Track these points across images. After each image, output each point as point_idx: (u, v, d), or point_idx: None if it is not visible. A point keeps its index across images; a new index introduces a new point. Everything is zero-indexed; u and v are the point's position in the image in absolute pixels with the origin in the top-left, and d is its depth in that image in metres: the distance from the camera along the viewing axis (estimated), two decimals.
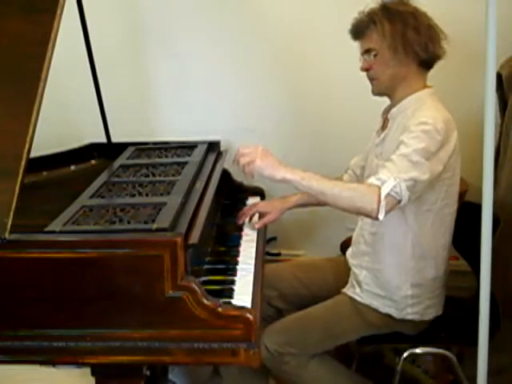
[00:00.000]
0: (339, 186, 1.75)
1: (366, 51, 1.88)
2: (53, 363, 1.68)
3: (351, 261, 2.02)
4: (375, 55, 1.86)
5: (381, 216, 1.69)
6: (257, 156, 1.73)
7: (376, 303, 1.92)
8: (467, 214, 2.00)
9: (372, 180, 1.72)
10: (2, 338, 1.53)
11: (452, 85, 2.43)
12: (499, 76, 2.18)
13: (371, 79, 1.91)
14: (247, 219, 2.14)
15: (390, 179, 1.69)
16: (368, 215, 1.72)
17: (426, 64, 1.87)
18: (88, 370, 1.58)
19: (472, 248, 1.81)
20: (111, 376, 1.56)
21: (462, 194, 2.15)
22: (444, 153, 1.77)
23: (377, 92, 1.92)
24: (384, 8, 1.85)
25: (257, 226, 2.08)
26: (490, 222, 1.50)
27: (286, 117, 2.64)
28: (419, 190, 1.75)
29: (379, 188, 1.69)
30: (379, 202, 1.68)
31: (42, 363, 1.66)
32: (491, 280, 1.53)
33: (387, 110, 1.96)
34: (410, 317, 1.92)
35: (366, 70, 1.89)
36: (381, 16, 1.83)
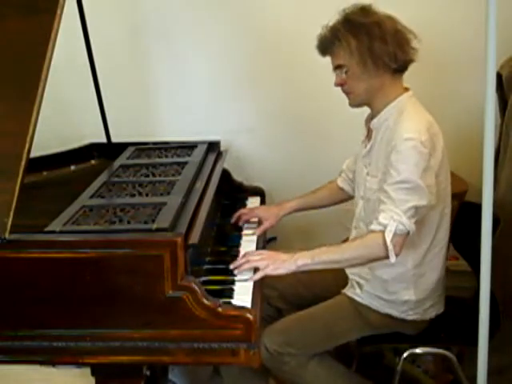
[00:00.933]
0: (347, 249, 1.78)
1: (337, 67, 1.86)
2: (53, 363, 1.68)
3: (349, 270, 2.00)
4: (346, 71, 1.83)
5: (392, 259, 1.72)
6: (268, 264, 1.75)
7: (376, 303, 1.92)
8: (467, 213, 2.00)
9: (374, 226, 1.75)
10: (2, 338, 1.53)
11: (452, 85, 2.44)
12: (499, 76, 2.18)
13: (346, 93, 1.88)
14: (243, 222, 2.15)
15: (390, 222, 1.71)
16: (383, 260, 1.76)
17: (399, 70, 1.84)
18: (88, 370, 1.58)
19: (472, 248, 1.82)
20: (111, 376, 1.56)
21: (462, 194, 2.16)
22: (434, 160, 1.77)
23: (354, 105, 1.90)
24: (346, 21, 1.81)
25: (257, 233, 2.09)
26: (490, 222, 1.49)
27: (286, 117, 2.64)
28: (423, 212, 1.77)
29: (383, 233, 1.71)
30: (386, 247, 1.71)
31: (42, 363, 1.66)
32: (491, 280, 1.53)
33: (369, 119, 1.94)
34: (410, 317, 1.91)
35: (340, 85, 1.87)
36: (344, 32, 1.79)
